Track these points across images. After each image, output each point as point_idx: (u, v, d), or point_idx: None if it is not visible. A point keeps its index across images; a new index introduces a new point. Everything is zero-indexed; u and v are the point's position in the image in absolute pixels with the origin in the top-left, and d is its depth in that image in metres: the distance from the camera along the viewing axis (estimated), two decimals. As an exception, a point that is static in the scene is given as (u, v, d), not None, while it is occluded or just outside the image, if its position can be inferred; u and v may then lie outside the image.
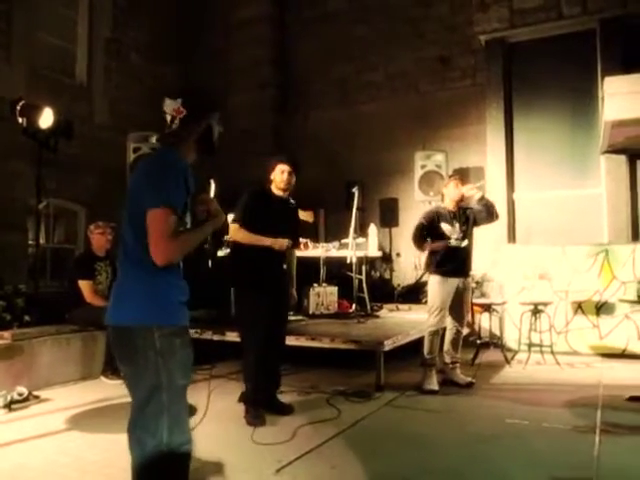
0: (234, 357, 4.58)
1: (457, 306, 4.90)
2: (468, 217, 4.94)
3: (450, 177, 5.26)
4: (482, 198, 4.90)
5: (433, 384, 4.73)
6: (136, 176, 2.16)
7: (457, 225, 4.87)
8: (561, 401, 4.36)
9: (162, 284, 2.05)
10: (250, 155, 8.04)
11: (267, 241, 3.93)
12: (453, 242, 4.79)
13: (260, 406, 3.92)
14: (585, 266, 6.46)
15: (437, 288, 4.82)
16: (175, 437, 1.98)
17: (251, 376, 3.93)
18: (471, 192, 4.89)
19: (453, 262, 4.80)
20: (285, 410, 4.04)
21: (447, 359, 4.97)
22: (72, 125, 5.89)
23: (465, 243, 4.85)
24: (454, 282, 4.82)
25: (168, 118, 2.16)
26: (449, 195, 4.95)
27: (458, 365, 4.99)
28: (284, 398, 4.25)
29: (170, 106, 2.16)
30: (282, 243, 3.97)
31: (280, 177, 4.05)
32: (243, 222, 3.97)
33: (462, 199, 4.93)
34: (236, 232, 3.99)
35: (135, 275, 2.06)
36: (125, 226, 2.09)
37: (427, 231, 4.85)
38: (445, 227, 4.84)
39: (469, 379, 4.93)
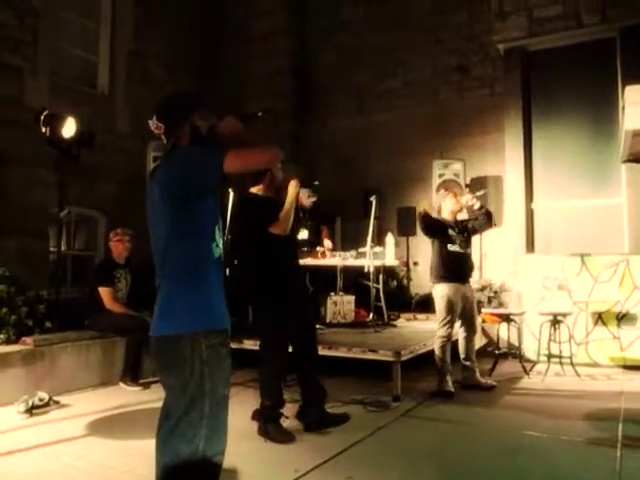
0: (251, 365, 4.59)
1: (466, 312, 5.03)
2: (466, 227, 5.13)
3: (446, 190, 5.35)
4: (481, 207, 5.05)
5: (448, 386, 4.84)
6: (164, 177, 2.13)
7: (457, 233, 5.07)
8: (581, 413, 4.31)
9: (206, 291, 2.07)
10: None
11: (292, 196, 3.82)
12: (454, 247, 4.99)
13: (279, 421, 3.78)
14: (605, 276, 6.37)
15: (445, 298, 4.94)
16: (211, 446, 2.00)
17: (271, 393, 3.77)
18: (470, 202, 5.03)
19: (458, 268, 4.98)
20: (340, 420, 3.97)
21: (467, 364, 5.05)
22: (94, 134, 5.99)
23: (468, 250, 5.08)
24: (459, 288, 4.96)
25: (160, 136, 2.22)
26: (447, 207, 5.13)
27: (477, 368, 5.07)
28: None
29: (151, 126, 2.22)
30: (296, 185, 3.87)
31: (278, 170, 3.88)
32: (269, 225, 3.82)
33: (461, 210, 5.12)
34: (278, 225, 3.79)
35: (177, 284, 2.06)
36: (163, 235, 2.09)
37: (437, 229, 5.05)
38: (451, 232, 5.03)
39: (490, 382, 5.00)
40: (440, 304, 4.99)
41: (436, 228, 5.05)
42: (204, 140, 2.20)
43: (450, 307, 4.91)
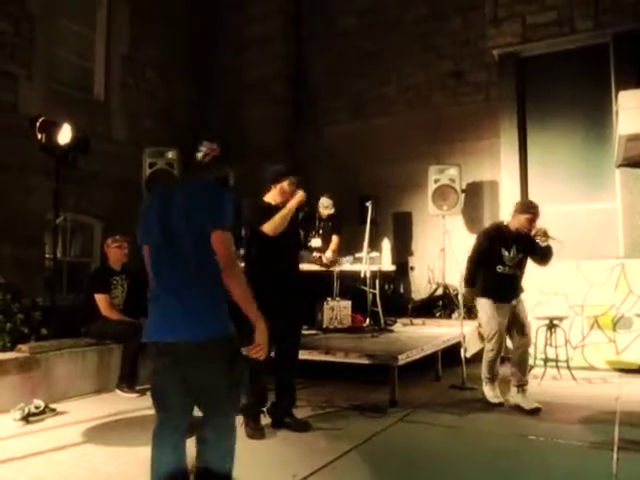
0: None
1: (518, 326, 4.70)
2: (527, 245, 4.70)
3: (529, 206, 4.80)
4: (548, 247, 4.68)
5: (497, 397, 4.68)
6: (193, 198, 2.35)
7: (514, 251, 4.67)
8: (577, 417, 4.32)
9: (225, 299, 2.33)
10: (263, 170, 8.09)
11: (292, 204, 3.98)
12: (503, 269, 4.67)
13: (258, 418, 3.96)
14: (601, 280, 6.40)
15: (490, 312, 4.68)
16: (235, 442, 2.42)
17: (251, 390, 3.92)
18: (538, 239, 4.65)
19: (503, 288, 4.67)
20: (302, 427, 4.00)
21: (513, 382, 4.72)
22: (89, 141, 5.99)
23: (517, 272, 4.72)
24: (506, 305, 4.68)
25: (200, 154, 2.54)
26: (519, 223, 4.69)
27: (526, 388, 4.69)
28: (299, 412, 4.24)
29: (207, 145, 2.55)
30: (300, 196, 4.00)
31: (290, 188, 4.06)
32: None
33: (529, 233, 4.69)
34: (269, 223, 3.92)
35: (205, 290, 2.27)
36: (185, 243, 2.28)
37: (486, 252, 4.72)
38: (504, 253, 4.66)
39: (535, 404, 4.50)
40: (485, 319, 4.76)
41: (482, 259, 4.74)
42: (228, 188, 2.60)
43: (495, 322, 4.64)
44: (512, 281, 4.74)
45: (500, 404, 4.64)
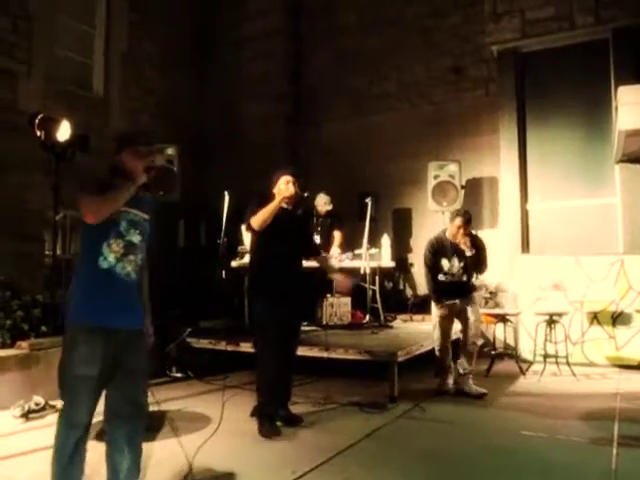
0: (248, 367, 4.58)
1: (464, 321, 5.01)
2: (464, 253, 4.98)
3: (458, 215, 5.09)
4: (473, 257, 4.97)
5: (446, 385, 4.99)
6: None
7: (455, 260, 4.98)
8: (577, 413, 4.32)
9: (80, 288, 2.59)
10: (262, 166, 8.06)
11: (276, 200, 3.90)
12: (445, 278, 4.98)
13: (272, 418, 3.90)
14: (600, 276, 6.40)
15: (434, 304, 5.08)
16: None
17: (264, 390, 3.92)
18: (463, 247, 4.91)
19: (449, 291, 4.98)
20: (294, 421, 4.01)
21: (460, 370, 4.96)
22: (88, 138, 5.97)
23: (464, 278, 5.02)
24: (451, 301, 4.99)
25: None
26: (450, 231, 5.04)
27: (471, 376, 4.96)
28: (298, 409, 4.25)
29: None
30: (289, 190, 3.96)
31: (285, 187, 4.01)
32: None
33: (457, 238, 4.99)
34: (253, 221, 3.92)
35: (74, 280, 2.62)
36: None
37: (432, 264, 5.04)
38: (444, 262, 4.98)
39: (482, 390, 4.87)
40: (432, 310, 5.17)
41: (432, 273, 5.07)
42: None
43: (436, 313, 5.05)
44: (458, 285, 5.00)
45: (450, 392, 4.92)
